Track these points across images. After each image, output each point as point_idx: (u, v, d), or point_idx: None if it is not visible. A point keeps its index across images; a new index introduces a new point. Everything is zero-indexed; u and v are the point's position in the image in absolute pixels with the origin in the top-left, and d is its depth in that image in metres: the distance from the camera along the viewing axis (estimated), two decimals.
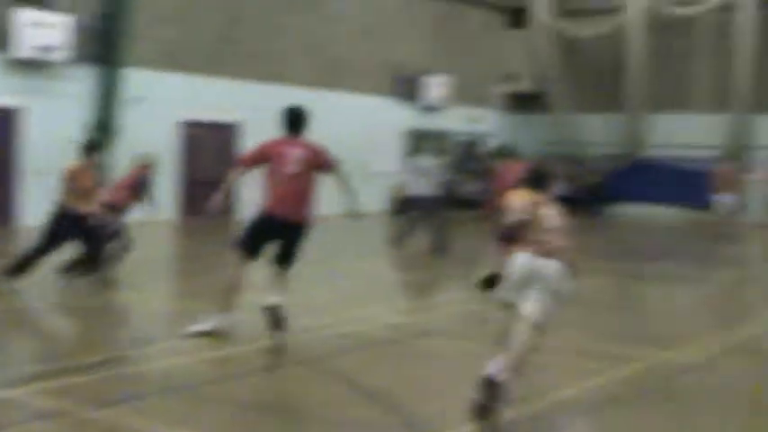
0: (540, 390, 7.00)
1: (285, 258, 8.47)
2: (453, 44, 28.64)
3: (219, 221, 16.53)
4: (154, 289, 12.07)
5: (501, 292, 6.48)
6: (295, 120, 9.00)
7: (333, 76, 24.47)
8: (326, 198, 9.32)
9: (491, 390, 5.82)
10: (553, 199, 6.57)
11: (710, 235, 20.87)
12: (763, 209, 24.46)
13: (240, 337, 8.56)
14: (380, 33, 26.01)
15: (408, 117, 27.05)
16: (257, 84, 22.22)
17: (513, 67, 30.66)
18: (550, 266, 6.25)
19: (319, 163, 8.66)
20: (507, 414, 6.25)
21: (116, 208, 11.64)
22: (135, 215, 12.25)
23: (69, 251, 10.79)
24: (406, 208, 16.88)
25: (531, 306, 6.19)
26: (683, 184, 27.79)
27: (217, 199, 8.50)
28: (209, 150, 21.69)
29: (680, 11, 27.61)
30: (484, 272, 9.32)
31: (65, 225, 10.44)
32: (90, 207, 10.61)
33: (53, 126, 17.99)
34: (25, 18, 17.29)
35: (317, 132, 24.43)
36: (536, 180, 6.61)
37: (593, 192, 28.28)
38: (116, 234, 11.68)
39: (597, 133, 29.26)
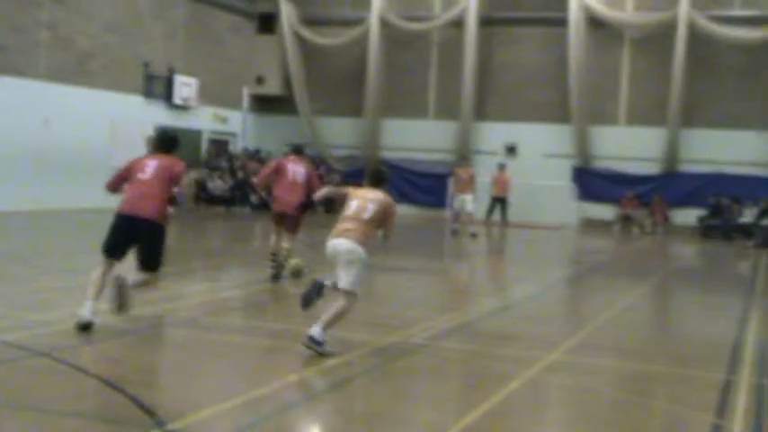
0: (275, 373, 7.15)
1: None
2: (205, 46, 28.32)
3: None
4: None
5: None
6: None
7: (80, 73, 23.45)
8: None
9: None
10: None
11: (446, 231, 21.93)
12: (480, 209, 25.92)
13: None
14: (131, 31, 25.23)
15: (158, 115, 26.44)
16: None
17: (263, 71, 30.73)
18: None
19: None
20: (242, 398, 6.38)
21: None
22: None
23: None
24: None
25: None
26: (422, 184, 29.13)
27: None
28: None
29: (412, 26, 28.88)
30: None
31: None
32: None
33: None
34: None
35: (61, 128, 23.60)
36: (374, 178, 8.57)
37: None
38: None
39: (339, 135, 30.02)
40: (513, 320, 11.00)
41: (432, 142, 29.08)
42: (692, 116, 26.65)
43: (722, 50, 26.32)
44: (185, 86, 27.15)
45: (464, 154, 27.70)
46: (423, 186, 29.20)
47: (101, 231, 8.78)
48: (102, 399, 6.22)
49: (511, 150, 28.49)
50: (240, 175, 28.37)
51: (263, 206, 25.88)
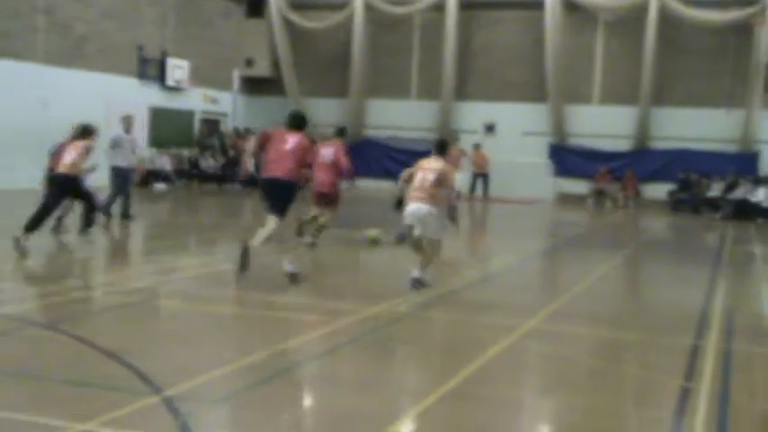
0: (265, 342, 7.15)
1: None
2: (196, 30, 28.11)
3: None
4: None
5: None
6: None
7: (78, 56, 23.26)
8: None
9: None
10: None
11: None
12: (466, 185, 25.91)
13: None
14: (125, 16, 25.02)
15: (152, 96, 26.30)
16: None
17: (252, 54, 30.55)
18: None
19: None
20: (233, 366, 6.37)
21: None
22: None
23: None
24: (111, 178, 16.16)
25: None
26: (405, 161, 29.05)
27: None
28: None
29: (395, 10, 28.75)
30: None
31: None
32: None
33: None
34: None
35: (62, 109, 23.54)
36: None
37: None
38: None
39: (326, 115, 29.88)
40: (493, 290, 11.03)
41: (414, 121, 29.03)
42: (663, 95, 26.70)
43: (691, 32, 26.32)
44: (178, 69, 26.97)
45: (452, 132, 27.67)
46: (406, 163, 28.88)
47: None
48: (101, 367, 6.20)
49: (490, 129, 28.48)
50: (231, 153, 28.26)
51: (252, 183, 25.82)
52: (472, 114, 28.49)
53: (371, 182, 28.46)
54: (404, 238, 11.19)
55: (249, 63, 30.56)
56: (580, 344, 7.92)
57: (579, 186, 27.54)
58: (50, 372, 6.07)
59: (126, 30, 25.01)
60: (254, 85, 30.98)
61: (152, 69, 26.18)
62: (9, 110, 20.96)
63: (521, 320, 8.43)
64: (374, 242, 14.01)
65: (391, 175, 28.73)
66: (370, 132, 29.59)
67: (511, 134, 28.06)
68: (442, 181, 9.88)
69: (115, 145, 15.89)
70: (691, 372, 6.84)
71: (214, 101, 29.47)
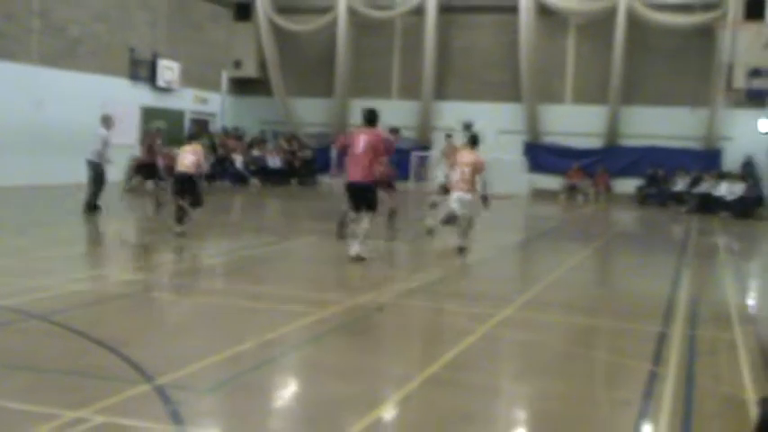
0: (253, 332, 7.13)
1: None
2: (186, 32, 27.96)
3: None
4: None
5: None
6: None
7: (72, 57, 23.07)
8: None
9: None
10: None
11: (412, 201, 21.91)
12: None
13: None
14: (117, 18, 24.84)
15: (144, 96, 26.13)
16: None
17: (240, 56, 30.43)
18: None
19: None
20: (223, 355, 6.35)
21: None
22: None
23: None
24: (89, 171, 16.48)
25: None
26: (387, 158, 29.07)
27: None
28: None
29: (377, 14, 28.69)
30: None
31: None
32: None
33: None
34: None
35: (57, 109, 23.32)
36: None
37: (307, 164, 28.86)
38: None
39: (310, 114, 29.86)
40: (471, 281, 11.05)
41: (396, 120, 28.67)
42: (631, 94, 26.80)
43: (658, 35, 26.44)
44: (168, 70, 26.81)
45: (423, 131, 27.72)
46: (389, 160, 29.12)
47: None
48: (96, 357, 6.15)
49: (468, 127, 28.45)
50: (221, 151, 28.11)
51: (241, 179, 25.73)
52: (450, 113, 28.46)
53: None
54: (449, 220, 12.75)
55: (237, 64, 30.43)
56: (553, 331, 7.95)
57: (552, 182, 27.62)
58: (45, 362, 6.02)
59: (118, 32, 24.83)
60: (241, 86, 30.84)
61: (143, 70, 26.02)
62: (4, 109, 20.75)
63: (497, 309, 8.44)
64: (430, 232, 14.32)
65: None
66: (354, 131, 29.52)
67: (487, 132, 28.03)
68: (476, 170, 12.34)
69: (104, 142, 16.35)
70: (658, 356, 6.88)
71: (204, 101, 29.33)
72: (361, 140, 11.39)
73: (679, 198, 24.59)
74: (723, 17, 25.31)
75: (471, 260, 13.09)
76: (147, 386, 5.42)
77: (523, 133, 28.12)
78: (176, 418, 4.89)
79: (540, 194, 27.60)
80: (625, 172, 26.90)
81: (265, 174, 27.81)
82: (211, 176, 27.25)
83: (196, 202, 13.79)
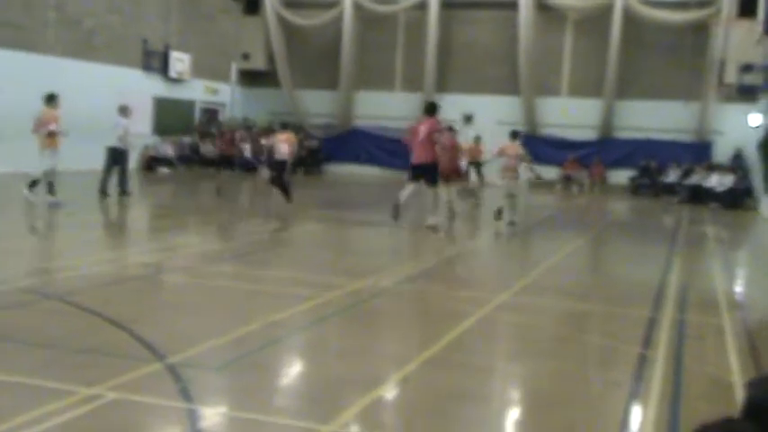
0: (260, 313, 7.15)
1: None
2: (197, 25, 27.90)
3: None
4: None
5: None
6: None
7: (87, 48, 23.04)
8: None
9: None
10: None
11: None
12: None
13: None
14: (131, 11, 24.78)
15: (156, 87, 26.11)
16: (12, 52, 20.48)
17: (249, 48, 30.36)
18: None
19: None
20: (231, 335, 6.37)
21: None
22: None
23: None
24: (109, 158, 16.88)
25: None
26: (389, 149, 29.05)
27: None
28: None
29: (382, 8, 28.60)
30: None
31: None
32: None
33: None
34: None
35: (73, 98, 23.38)
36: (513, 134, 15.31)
37: (313, 154, 28.83)
38: None
39: (317, 105, 29.81)
40: (469, 266, 11.07)
41: (398, 111, 28.91)
42: (626, 88, 26.72)
43: (652, 31, 26.33)
44: (179, 61, 26.76)
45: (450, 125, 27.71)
46: (390, 150, 29.08)
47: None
48: (109, 336, 6.18)
49: (468, 119, 28.44)
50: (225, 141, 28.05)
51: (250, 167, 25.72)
52: (451, 106, 28.36)
53: (359, 168, 28.43)
54: (500, 212, 15.01)
55: (246, 57, 30.36)
56: (548, 315, 7.97)
57: (549, 172, 27.52)
58: (62, 340, 6.05)
59: (131, 24, 24.78)
60: (250, 78, 30.79)
61: (156, 62, 25.98)
62: (23, 99, 20.73)
63: (494, 294, 8.46)
64: (453, 215, 15.06)
65: (376, 161, 28.82)
66: (358, 122, 29.50)
67: (487, 124, 28.01)
68: (521, 159, 15.13)
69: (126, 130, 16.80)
70: (648, 340, 6.90)
71: (214, 92, 29.30)
72: (421, 130, 13.49)
73: (671, 189, 24.55)
74: (717, 14, 25.19)
75: (469, 247, 13.12)
76: (158, 364, 5.45)
77: (521, 125, 28.02)
78: (186, 395, 4.92)
79: (536, 184, 27.51)
80: (619, 163, 26.85)
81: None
82: (220, 164, 27.26)
83: (285, 183, 16.38)
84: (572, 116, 27.30)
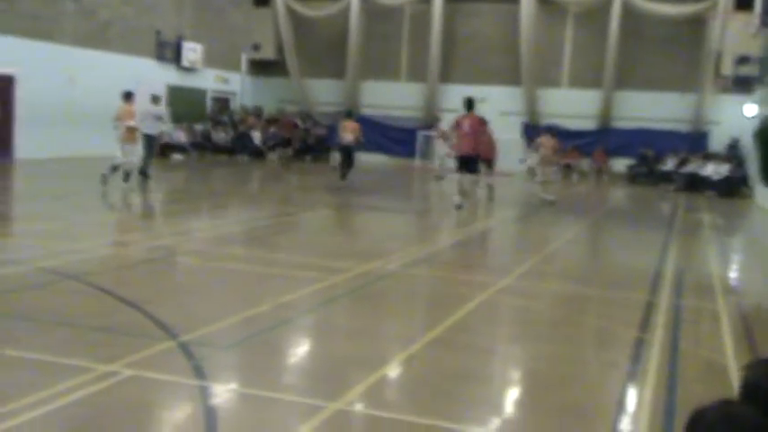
0: (270, 295, 7.16)
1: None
2: (209, 16, 27.83)
3: None
4: None
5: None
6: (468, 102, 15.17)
7: (103, 38, 23.01)
8: None
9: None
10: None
11: (418, 177, 21.88)
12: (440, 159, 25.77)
13: (18, 260, 8.05)
14: (144, 3, 24.71)
15: (169, 76, 26.08)
16: (32, 41, 20.47)
17: (259, 38, 30.26)
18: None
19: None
20: (242, 316, 6.38)
21: None
22: None
23: None
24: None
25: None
26: (395, 137, 29.04)
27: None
28: None
29: (387, 0, 28.47)
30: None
31: None
32: None
33: None
34: None
35: (89, 85, 23.29)
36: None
37: (321, 142, 28.79)
38: None
39: (324, 94, 29.73)
40: (473, 251, 11.06)
41: (404, 101, 28.88)
42: (624, 79, 26.59)
43: (651, 24, 26.17)
44: (192, 51, 26.70)
45: (428, 113, 27.52)
46: (396, 139, 29.07)
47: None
48: (125, 316, 6.21)
49: (469, 102, 28.30)
50: (241, 128, 28.10)
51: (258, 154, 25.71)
52: (455, 96, 28.24)
53: (366, 155, 28.37)
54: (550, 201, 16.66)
55: (256, 47, 30.28)
56: (548, 298, 7.97)
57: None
58: (80, 319, 6.07)
59: (145, 15, 24.73)
60: (260, 67, 30.71)
61: (169, 52, 25.93)
62: (41, 86, 20.77)
63: (496, 278, 8.46)
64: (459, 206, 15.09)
65: (383, 148, 28.78)
66: (365, 111, 29.42)
67: (489, 114, 27.76)
68: (554, 150, 17.22)
69: (148, 116, 16.99)
70: (645, 323, 6.89)
71: (225, 81, 29.25)
72: (467, 124, 14.77)
73: (668, 177, 24.46)
74: (714, 7, 25.01)
75: (473, 232, 13.11)
76: (171, 343, 5.47)
77: (523, 115, 27.97)
78: (199, 372, 4.94)
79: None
80: (617, 152, 26.75)
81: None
82: (232, 150, 27.30)
83: (351, 165, 18.75)
84: (572, 106, 27.18)
